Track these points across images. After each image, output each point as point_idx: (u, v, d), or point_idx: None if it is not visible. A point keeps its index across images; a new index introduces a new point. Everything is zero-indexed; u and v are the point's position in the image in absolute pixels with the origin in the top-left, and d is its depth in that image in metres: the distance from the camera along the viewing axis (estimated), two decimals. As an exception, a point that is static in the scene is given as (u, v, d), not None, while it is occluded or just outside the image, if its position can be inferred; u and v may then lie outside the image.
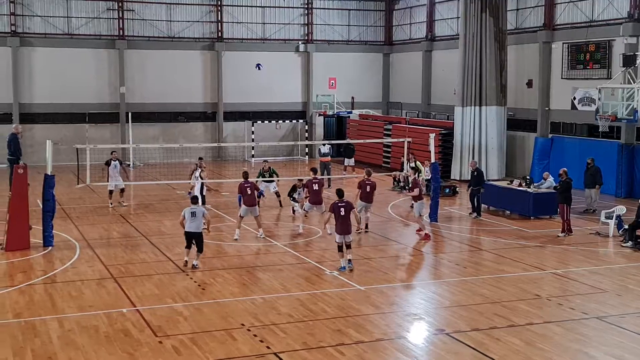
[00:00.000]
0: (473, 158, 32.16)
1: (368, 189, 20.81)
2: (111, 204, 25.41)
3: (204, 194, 24.53)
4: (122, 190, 25.87)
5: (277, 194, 25.31)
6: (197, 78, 41.02)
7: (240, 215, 20.32)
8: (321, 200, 21.16)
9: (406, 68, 43.25)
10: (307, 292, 15.28)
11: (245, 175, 20.66)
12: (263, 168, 25.19)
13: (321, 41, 43.41)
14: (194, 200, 17.55)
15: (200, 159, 26.53)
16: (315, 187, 21.07)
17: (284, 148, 41.08)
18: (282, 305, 14.46)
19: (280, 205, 25.26)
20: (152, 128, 40.06)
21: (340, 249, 17.00)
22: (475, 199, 24.21)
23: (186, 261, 17.24)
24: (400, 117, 40.34)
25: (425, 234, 20.84)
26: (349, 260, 17.04)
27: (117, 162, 25.43)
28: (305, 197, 21.67)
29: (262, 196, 20.54)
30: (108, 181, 25.36)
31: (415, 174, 22.05)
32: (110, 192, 25.45)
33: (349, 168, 33.09)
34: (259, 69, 34.03)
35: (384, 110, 44.59)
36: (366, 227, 21.35)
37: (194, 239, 17.16)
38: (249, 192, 20.15)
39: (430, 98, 41.02)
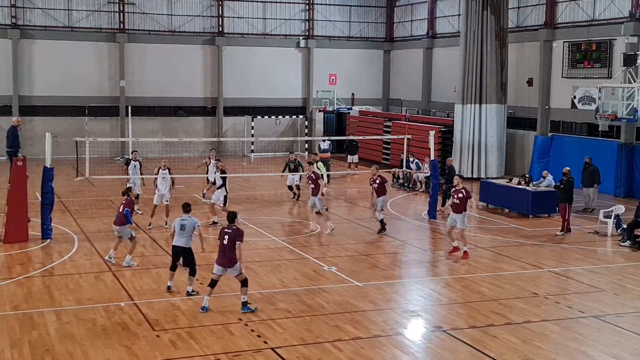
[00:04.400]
0: (472, 156, 32.22)
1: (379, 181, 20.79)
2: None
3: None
4: (137, 197, 22.91)
5: (298, 187, 25.97)
6: (197, 72, 41.00)
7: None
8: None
9: (407, 65, 43.20)
10: (305, 288, 15.30)
11: (126, 191, 17.66)
12: (289, 159, 25.91)
13: (322, 37, 43.37)
14: (186, 208, 14.88)
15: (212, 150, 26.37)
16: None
17: (283, 144, 41.06)
18: (280, 300, 14.47)
19: (297, 199, 25.81)
20: (152, 122, 40.05)
21: (212, 283, 13.65)
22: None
23: (169, 286, 14.84)
24: (400, 114, 40.31)
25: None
26: (245, 303, 13.65)
27: (137, 162, 23.34)
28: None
29: (131, 219, 17.19)
30: (128, 183, 22.87)
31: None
32: (137, 196, 22.62)
33: (352, 165, 33.10)
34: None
35: (384, 107, 44.58)
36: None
37: (182, 256, 14.68)
38: (120, 209, 17.02)
39: (430, 95, 41.01)
